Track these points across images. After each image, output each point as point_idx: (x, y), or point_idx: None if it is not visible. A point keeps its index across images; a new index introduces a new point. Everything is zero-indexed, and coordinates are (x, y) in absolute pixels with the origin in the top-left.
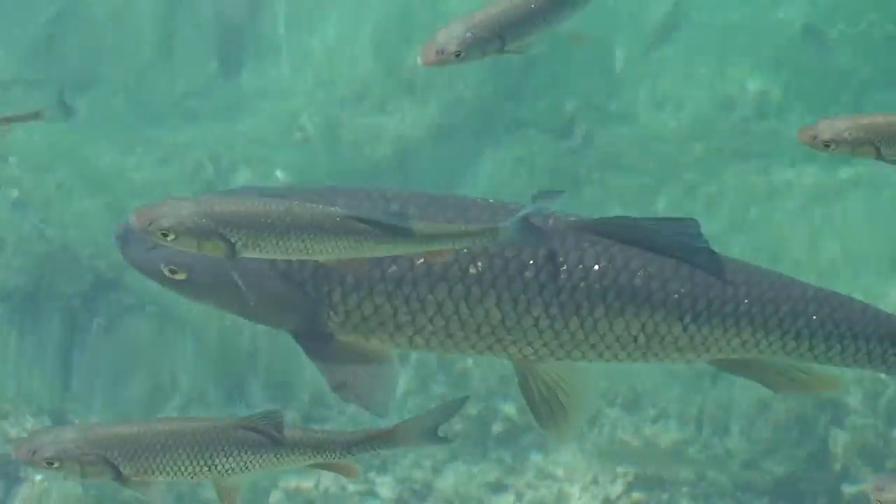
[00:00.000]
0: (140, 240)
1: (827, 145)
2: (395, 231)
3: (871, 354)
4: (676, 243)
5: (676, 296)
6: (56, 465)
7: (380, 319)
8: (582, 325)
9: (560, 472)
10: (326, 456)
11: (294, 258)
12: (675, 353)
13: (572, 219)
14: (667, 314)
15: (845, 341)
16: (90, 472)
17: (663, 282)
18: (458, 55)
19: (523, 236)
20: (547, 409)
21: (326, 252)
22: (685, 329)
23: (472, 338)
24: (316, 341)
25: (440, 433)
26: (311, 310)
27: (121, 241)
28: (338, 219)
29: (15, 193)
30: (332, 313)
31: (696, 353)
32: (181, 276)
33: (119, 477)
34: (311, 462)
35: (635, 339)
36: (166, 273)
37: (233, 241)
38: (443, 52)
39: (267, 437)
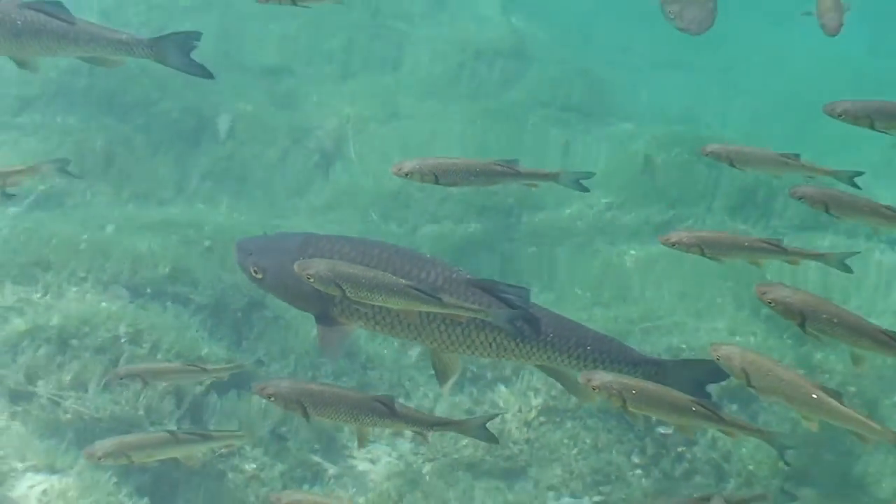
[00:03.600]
0: (245, 251)
1: (673, 245)
2: (434, 299)
3: (622, 373)
4: (519, 300)
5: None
6: (273, 399)
7: (359, 313)
8: (462, 333)
9: (501, 403)
10: (419, 427)
11: (378, 304)
12: (513, 356)
13: (466, 276)
14: (506, 336)
15: (605, 364)
16: (291, 408)
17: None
18: (406, 175)
19: (506, 322)
20: (442, 376)
21: (395, 304)
22: (517, 346)
23: (406, 331)
24: (324, 321)
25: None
26: (324, 304)
27: (236, 250)
28: (403, 286)
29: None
30: (333, 307)
31: (525, 358)
32: (260, 276)
33: (306, 416)
34: (408, 429)
35: (490, 346)
36: (252, 272)
37: (343, 288)
38: (400, 170)
39: (388, 409)
